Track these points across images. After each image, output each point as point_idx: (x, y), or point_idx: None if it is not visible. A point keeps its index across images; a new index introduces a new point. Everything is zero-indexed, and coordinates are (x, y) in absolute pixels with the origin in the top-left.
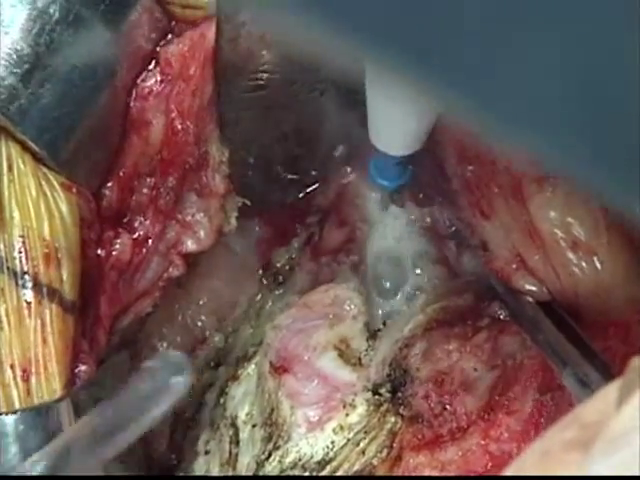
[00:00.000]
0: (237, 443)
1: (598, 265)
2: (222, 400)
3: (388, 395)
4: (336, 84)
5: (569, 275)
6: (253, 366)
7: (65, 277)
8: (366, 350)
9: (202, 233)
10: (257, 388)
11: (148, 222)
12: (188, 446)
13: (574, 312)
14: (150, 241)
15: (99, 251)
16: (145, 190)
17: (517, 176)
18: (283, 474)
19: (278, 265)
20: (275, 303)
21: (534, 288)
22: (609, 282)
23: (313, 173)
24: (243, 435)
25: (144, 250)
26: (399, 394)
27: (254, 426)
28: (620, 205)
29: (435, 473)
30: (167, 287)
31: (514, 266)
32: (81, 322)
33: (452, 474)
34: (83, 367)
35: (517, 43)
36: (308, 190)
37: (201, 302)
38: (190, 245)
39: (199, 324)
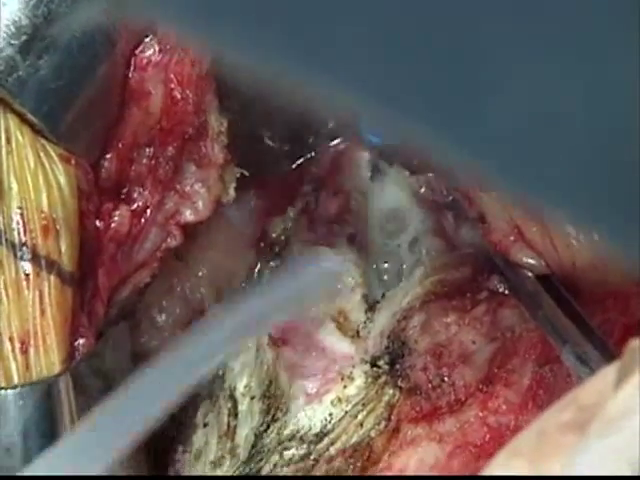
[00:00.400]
0: (235, 415)
1: (596, 236)
2: (221, 372)
3: (386, 367)
4: None
5: (567, 247)
6: (252, 339)
7: (64, 249)
8: (364, 322)
9: (200, 203)
10: (256, 360)
11: (147, 192)
12: (187, 418)
13: (572, 285)
14: (148, 211)
15: (98, 223)
16: (144, 160)
17: None
18: (281, 446)
19: (274, 236)
20: (272, 275)
21: (532, 261)
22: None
23: (310, 141)
24: (242, 407)
25: (142, 221)
26: (397, 366)
27: (252, 398)
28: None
29: (433, 445)
30: (165, 258)
31: (512, 238)
32: (80, 295)
33: (450, 446)
34: (82, 340)
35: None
36: (304, 159)
37: (200, 274)
38: (188, 215)
39: (198, 296)
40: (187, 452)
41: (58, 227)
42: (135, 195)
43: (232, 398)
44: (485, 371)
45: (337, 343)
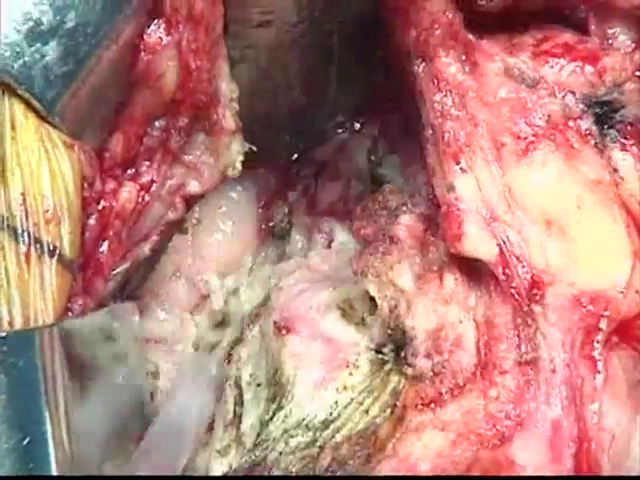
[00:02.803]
0: (241, 404)
1: (568, 244)
2: (226, 361)
3: (391, 354)
4: (347, 25)
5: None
6: (258, 328)
7: (65, 235)
8: (369, 310)
9: (207, 173)
10: (261, 349)
11: (155, 166)
12: None
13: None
14: (155, 186)
15: (103, 203)
16: (156, 133)
17: (497, 143)
18: (287, 434)
19: (277, 219)
20: (275, 259)
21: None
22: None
23: (317, 126)
24: (247, 396)
25: (148, 196)
26: (402, 353)
27: (258, 385)
28: None
29: (436, 433)
30: (166, 232)
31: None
32: (81, 277)
33: (452, 434)
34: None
35: None
36: (310, 144)
37: (207, 257)
38: (193, 187)
39: (204, 279)
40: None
41: (60, 214)
42: (143, 169)
43: (238, 387)
44: (476, 355)
45: (342, 331)
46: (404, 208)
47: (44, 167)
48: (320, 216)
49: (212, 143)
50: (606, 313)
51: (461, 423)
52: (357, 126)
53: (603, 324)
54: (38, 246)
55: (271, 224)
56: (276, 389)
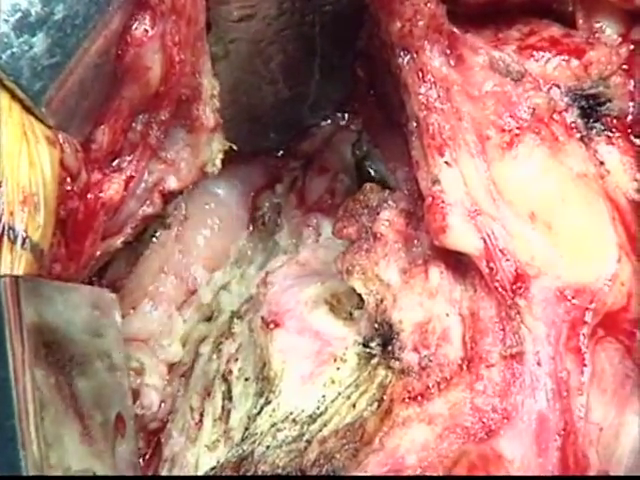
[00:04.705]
0: (230, 399)
1: (553, 237)
2: (215, 356)
3: (379, 349)
4: (328, 16)
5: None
6: (246, 323)
7: (38, 226)
8: (357, 304)
9: (185, 169)
10: (249, 343)
11: (135, 161)
12: (181, 400)
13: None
14: (133, 181)
15: (89, 195)
16: (139, 127)
17: (482, 136)
18: (274, 428)
19: (264, 213)
20: (263, 253)
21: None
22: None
23: (301, 119)
24: (236, 390)
25: (128, 190)
26: (389, 347)
27: (247, 380)
28: None
29: (423, 426)
30: (141, 226)
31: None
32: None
33: (439, 428)
34: None
35: None
36: (296, 136)
37: (194, 252)
38: (172, 183)
39: (191, 274)
40: (182, 436)
41: (36, 205)
42: (124, 164)
43: (226, 381)
44: (462, 349)
45: (330, 325)
46: (385, 204)
47: (24, 159)
48: (308, 210)
49: (192, 140)
50: (591, 306)
51: (448, 416)
52: (342, 119)
53: (588, 317)
54: (11, 233)
55: (259, 219)
56: (264, 383)
